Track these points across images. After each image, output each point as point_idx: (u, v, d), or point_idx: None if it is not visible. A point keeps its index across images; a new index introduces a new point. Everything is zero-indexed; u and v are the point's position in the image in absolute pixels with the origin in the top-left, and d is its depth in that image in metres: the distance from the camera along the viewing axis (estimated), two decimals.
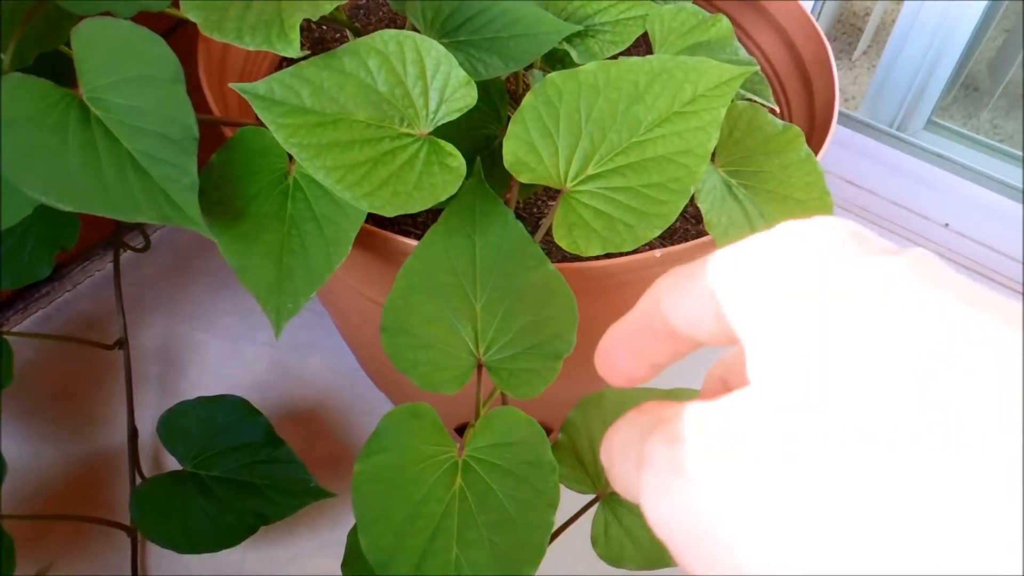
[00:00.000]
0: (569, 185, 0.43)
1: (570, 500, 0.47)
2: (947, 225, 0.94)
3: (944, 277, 0.15)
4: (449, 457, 0.42)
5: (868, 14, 1.33)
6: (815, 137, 0.60)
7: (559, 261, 0.46)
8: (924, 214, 0.96)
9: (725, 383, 0.22)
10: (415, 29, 0.51)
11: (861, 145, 0.96)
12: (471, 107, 0.42)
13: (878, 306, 0.14)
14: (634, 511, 0.47)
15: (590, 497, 0.49)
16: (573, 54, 0.52)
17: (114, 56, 0.43)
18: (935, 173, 0.93)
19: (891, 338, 0.14)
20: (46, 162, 0.42)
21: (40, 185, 0.42)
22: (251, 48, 0.40)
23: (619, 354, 0.21)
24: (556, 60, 0.54)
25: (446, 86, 0.42)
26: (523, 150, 0.42)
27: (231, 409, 0.69)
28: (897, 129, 0.97)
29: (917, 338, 0.14)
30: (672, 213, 0.42)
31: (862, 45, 1.27)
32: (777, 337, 0.15)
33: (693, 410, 0.16)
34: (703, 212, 0.45)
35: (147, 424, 0.77)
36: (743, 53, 0.53)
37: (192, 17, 0.42)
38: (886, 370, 0.14)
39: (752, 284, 0.16)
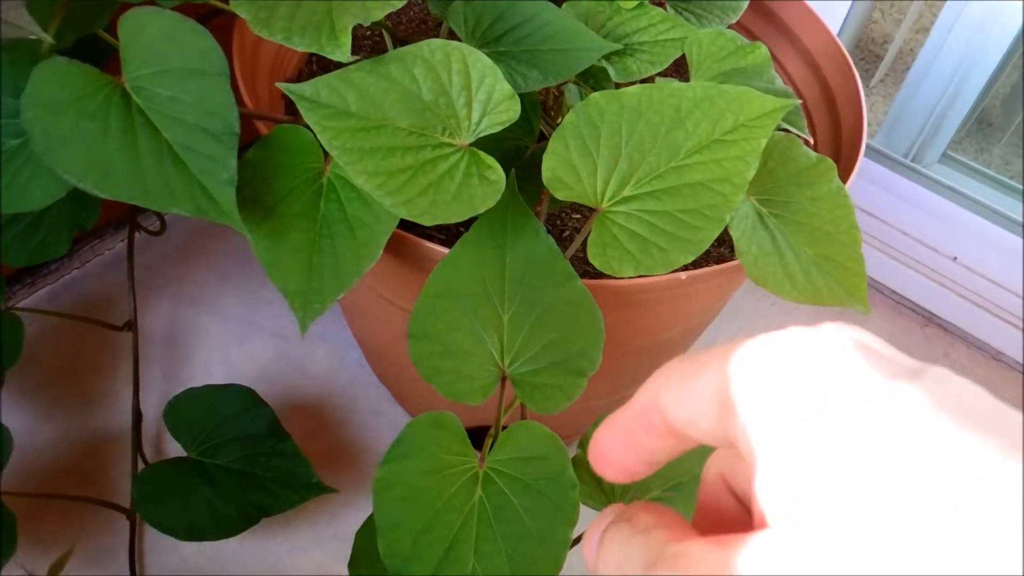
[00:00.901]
0: (605, 205, 0.43)
1: (583, 514, 0.47)
2: (955, 259, 0.95)
3: (958, 401, 0.15)
4: (470, 468, 0.42)
5: (887, 42, 1.34)
6: (840, 168, 0.60)
7: (582, 276, 0.47)
8: (933, 246, 0.96)
9: (725, 481, 0.22)
10: (451, 33, 0.51)
11: (874, 173, 0.97)
12: (513, 121, 0.43)
13: (891, 439, 0.15)
14: None
15: None
16: (611, 71, 0.52)
17: (159, 46, 0.43)
18: (946, 206, 0.94)
19: (901, 473, 0.14)
20: (85, 148, 0.42)
21: (77, 170, 0.42)
22: (300, 49, 0.40)
23: (615, 449, 0.21)
24: (591, 76, 0.55)
25: (490, 99, 0.43)
26: (562, 168, 0.42)
27: (238, 398, 0.69)
28: (912, 160, 0.98)
29: (927, 473, 0.14)
30: (706, 240, 0.42)
31: (880, 73, 1.27)
32: (791, 469, 0.15)
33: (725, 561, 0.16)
34: (735, 240, 0.45)
35: (149, 407, 0.77)
36: (779, 82, 0.53)
37: (241, 13, 0.42)
38: (900, 511, 0.14)
39: (766, 400, 0.16)
